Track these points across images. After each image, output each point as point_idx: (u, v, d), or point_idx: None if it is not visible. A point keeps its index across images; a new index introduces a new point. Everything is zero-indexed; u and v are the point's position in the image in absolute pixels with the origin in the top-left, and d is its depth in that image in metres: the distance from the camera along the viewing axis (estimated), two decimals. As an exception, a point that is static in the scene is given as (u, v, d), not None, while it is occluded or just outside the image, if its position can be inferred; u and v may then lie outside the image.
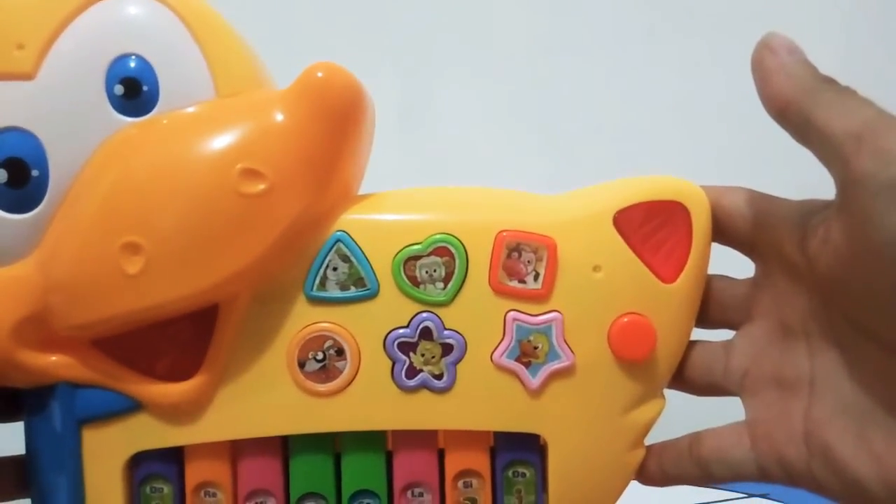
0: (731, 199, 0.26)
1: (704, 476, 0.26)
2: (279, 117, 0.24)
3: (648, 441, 0.27)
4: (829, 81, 0.23)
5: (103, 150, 0.24)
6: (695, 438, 0.26)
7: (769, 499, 0.45)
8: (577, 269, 0.26)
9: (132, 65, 0.24)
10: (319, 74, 0.24)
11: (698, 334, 0.28)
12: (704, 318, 0.27)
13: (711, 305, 0.27)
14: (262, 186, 0.24)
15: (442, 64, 0.68)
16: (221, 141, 0.24)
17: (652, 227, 0.26)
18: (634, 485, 0.28)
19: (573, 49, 0.70)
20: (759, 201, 0.26)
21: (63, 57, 0.24)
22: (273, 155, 0.24)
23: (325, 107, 0.24)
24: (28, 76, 0.24)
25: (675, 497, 0.43)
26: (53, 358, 0.25)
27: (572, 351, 0.26)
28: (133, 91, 0.24)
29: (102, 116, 0.24)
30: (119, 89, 0.24)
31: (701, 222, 0.26)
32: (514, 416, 0.26)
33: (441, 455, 0.27)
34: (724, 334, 0.28)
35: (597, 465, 0.26)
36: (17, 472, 0.27)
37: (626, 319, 0.26)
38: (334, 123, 0.25)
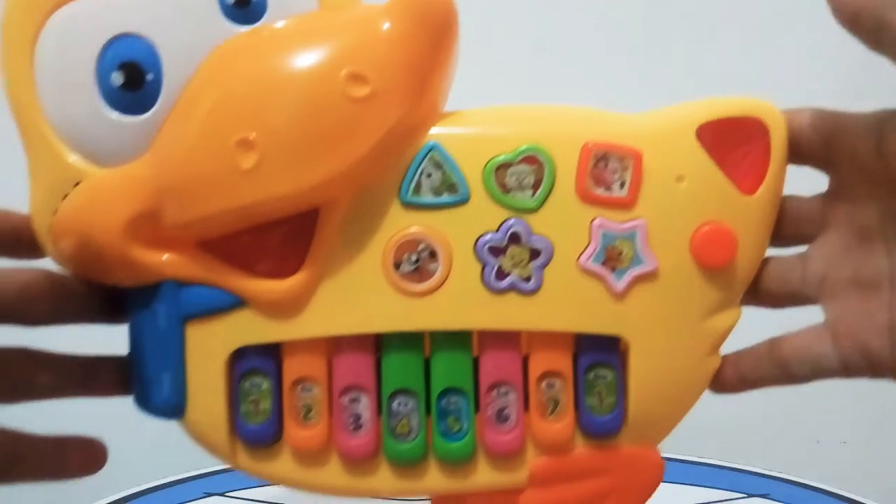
0: (802, 118, 0.27)
1: (785, 376, 0.27)
2: (384, 27, 0.25)
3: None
4: None
5: (216, 56, 0.25)
6: (774, 342, 0.27)
7: (769, 499, 0.46)
8: (662, 178, 0.27)
9: None
10: None
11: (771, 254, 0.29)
12: (779, 234, 0.28)
13: (786, 221, 0.28)
14: (366, 90, 0.25)
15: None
16: (330, 46, 0.25)
17: (732, 141, 0.27)
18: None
19: (573, 49, 0.69)
20: (830, 116, 0.27)
21: (179, -34, 0.25)
22: (377, 61, 0.25)
23: (426, 19, 0.26)
24: (144, -17, 0.25)
25: (676, 497, 0.45)
26: (163, 256, 0.26)
27: (656, 257, 0.27)
28: (243, 1, 0.26)
29: (214, 24, 0.26)
30: (230, -2, 0.26)
31: (778, 138, 0.27)
32: (598, 318, 0.27)
33: (525, 361, 0.28)
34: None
35: (676, 369, 0.28)
36: (116, 370, 0.28)
37: (707, 227, 0.27)
38: (433, 34, 0.26)
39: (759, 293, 0.28)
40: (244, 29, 0.26)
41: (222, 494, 0.47)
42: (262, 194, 0.25)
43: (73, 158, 0.26)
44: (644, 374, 0.28)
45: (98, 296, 0.28)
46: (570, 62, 0.68)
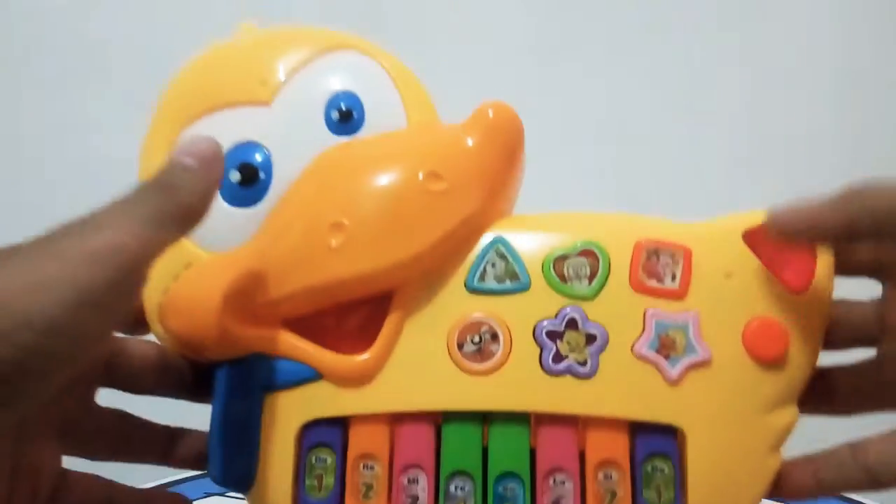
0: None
1: (870, 482, 0.26)
2: (462, 139, 0.30)
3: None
4: None
5: (318, 159, 0.30)
6: (855, 447, 0.27)
7: (769, 499, 0.42)
8: (711, 273, 0.29)
9: (347, 98, 0.31)
10: (490, 112, 0.30)
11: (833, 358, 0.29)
12: (836, 339, 0.29)
13: (841, 325, 0.29)
14: (443, 186, 0.29)
15: (439, 64, 0.70)
16: (415, 150, 0.29)
17: (778, 244, 0.29)
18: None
19: (571, 51, 0.70)
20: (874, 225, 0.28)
21: (295, 90, 0.31)
22: (454, 165, 0.29)
23: (499, 135, 0.30)
24: (265, 103, 0.31)
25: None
26: (255, 331, 0.29)
27: (709, 347, 0.28)
28: (346, 117, 0.31)
29: (320, 135, 0.31)
30: (335, 115, 0.31)
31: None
32: (654, 405, 0.28)
33: (582, 456, 0.29)
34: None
35: (735, 465, 0.27)
36: (196, 445, 0.30)
37: (758, 321, 0.28)
38: (504, 149, 0.30)
39: (834, 402, 0.28)
40: (345, 139, 0.31)
41: (222, 494, 0.46)
42: (347, 271, 0.28)
43: (187, 243, 0.31)
44: (703, 468, 0.27)
45: (191, 373, 0.31)
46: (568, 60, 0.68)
